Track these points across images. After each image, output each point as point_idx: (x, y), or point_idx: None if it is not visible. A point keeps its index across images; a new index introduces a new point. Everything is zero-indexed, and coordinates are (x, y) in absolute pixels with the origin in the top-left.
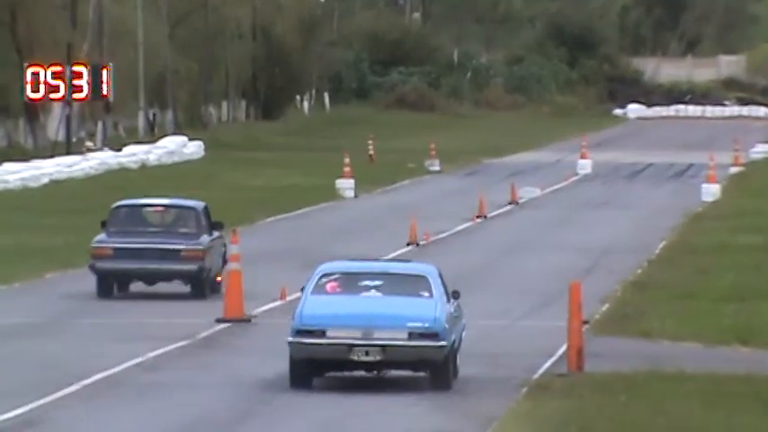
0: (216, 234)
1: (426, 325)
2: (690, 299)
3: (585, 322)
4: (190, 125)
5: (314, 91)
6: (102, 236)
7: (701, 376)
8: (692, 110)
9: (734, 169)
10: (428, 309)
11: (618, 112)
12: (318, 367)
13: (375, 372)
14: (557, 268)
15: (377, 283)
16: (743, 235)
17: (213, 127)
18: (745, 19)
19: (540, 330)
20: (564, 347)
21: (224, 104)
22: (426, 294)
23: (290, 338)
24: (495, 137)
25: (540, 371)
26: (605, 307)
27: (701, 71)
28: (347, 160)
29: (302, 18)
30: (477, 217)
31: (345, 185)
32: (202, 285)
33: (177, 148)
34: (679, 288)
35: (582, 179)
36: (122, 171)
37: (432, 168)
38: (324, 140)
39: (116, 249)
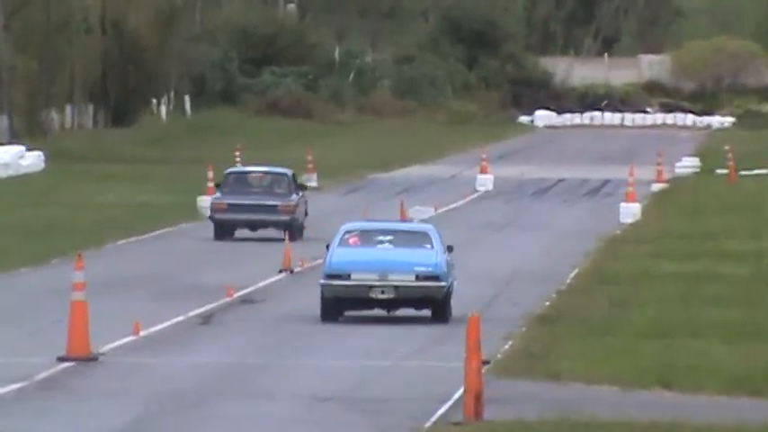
0: (301, 194)
1: (430, 269)
2: (605, 335)
3: (485, 362)
4: (28, 132)
5: (173, 94)
6: (217, 194)
7: (618, 424)
8: (610, 117)
9: (656, 186)
10: (431, 257)
11: (523, 119)
12: (344, 304)
13: (387, 310)
14: (455, 298)
15: (389, 237)
16: (666, 262)
17: (55, 135)
18: (670, 13)
19: (433, 372)
20: (460, 391)
21: (68, 109)
22: (429, 246)
23: (322, 281)
24: (382, 148)
25: (432, 419)
26: (508, 344)
27: (620, 73)
28: (211, 174)
29: (160, 10)
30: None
31: (208, 203)
32: (293, 231)
33: (13, 159)
34: (593, 323)
35: (482, 197)
36: None
37: (309, 184)
38: (184, 151)
39: (229, 204)
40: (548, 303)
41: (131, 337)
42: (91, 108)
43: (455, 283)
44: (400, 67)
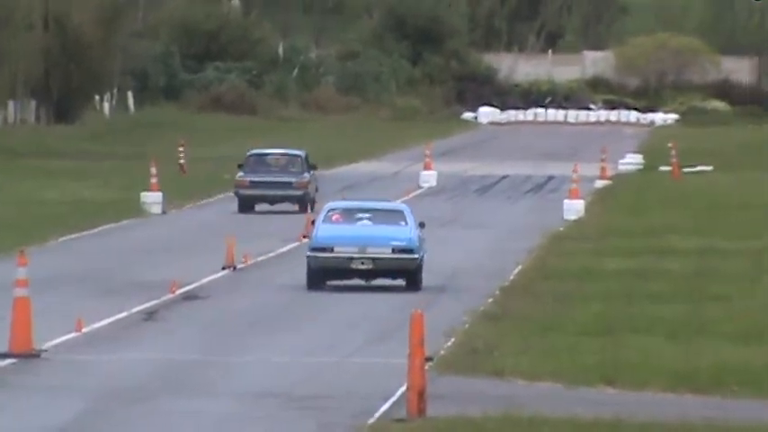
0: (312, 172)
1: (404, 243)
2: (549, 332)
3: (429, 359)
4: None
5: (116, 90)
6: (240, 173)
7: (562, 421)
8: (553, 114)
9: (600, 183)
10: (405, 232)
11: (467, 115)
12: (327, 274)
13: (366, 280)
14: (395, 296)
15: (368, 215)
16: (610, 258)
17: None
18: (614, 10)
19: (376, 368)
20: (403, 388)
21: (10, 104)
22: (403, 223)
23: (308, 253)
24: (326, 144)
25: (376, 415)
26: (451, 341)
27: (564, 69)
28: (154, 170)
29: (102, 6)
30: (304, 237)
31: (152, 199)
32: (306, 205)
33: None
34: (536, 319)
35: (425, 193)
36: None
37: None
38: (127, 147)
39: (251, 182)
40: (491, 300)
41: (74, 334)
42: (33, 104)
43: (425, 255)
44: (344, 63)
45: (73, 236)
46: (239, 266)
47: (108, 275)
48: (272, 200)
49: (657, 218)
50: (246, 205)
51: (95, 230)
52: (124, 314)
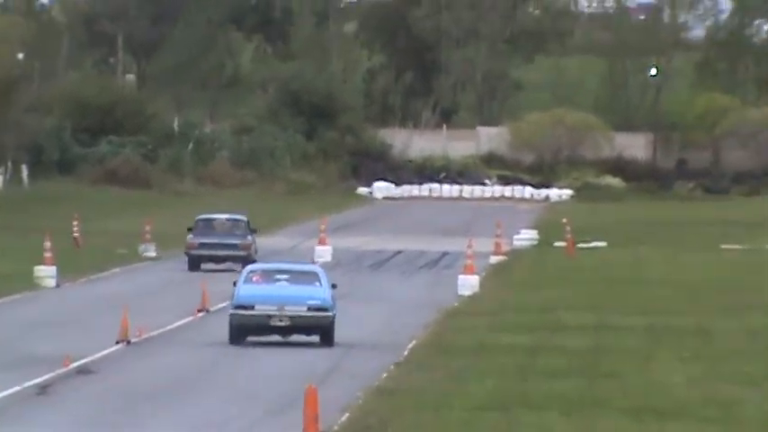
0: (253, 236)
1: (319, 302)
2: (442, 408)
3: None
4: None
5: (10, 163)
6: (190, 236)
7: None
8: (448, 189)
9: (494, 258)
10: (320, 292)
11: (362, 190)
12: (248, 331)
13: (283, 336)
14: (291, 370)
15: (286, 276)
16: (505, 334)
17: None
18: (508, 86)
19: None
20: None
21: None
22: (318, 284)
23: (231, 311)
24: None
25: None
26: (345, 417)
27: (458, 145)
28: (48, 244)
29: None
30: (199, 311)
31: (45, 273)
32: (249, 263)
33: None
34: (430, 395)
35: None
36: None
37: (147, 254)
38: (21, 220)
39: (200, 243)
40: (385, 375)
41: None
42: None
43: (336, 314)
44: (239, 138)
45: None
46: (133, 340)
47: (1, 349)
48: (219, 260)
49: (552, 293)
50: (195, 264)
51: None
52: (17, 388)
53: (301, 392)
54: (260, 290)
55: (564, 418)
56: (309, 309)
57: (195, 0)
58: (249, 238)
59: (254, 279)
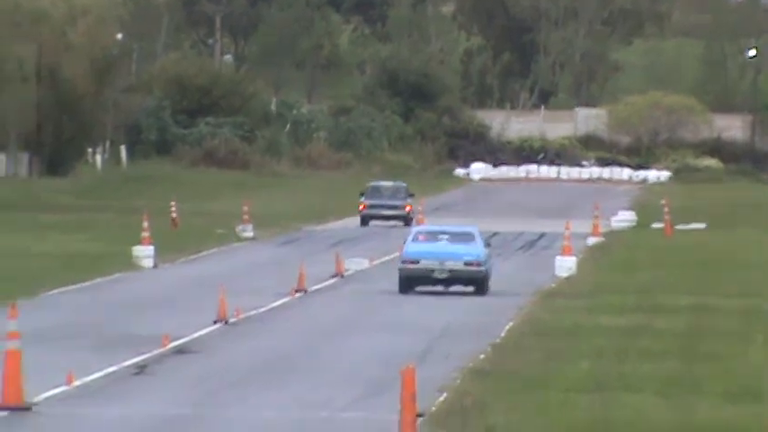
0: (410, 199)
1: (474, 258)
2: (539, 389)
3: (419, 415)
4: None
5: (108, 143)
6: (362, 198)
7: None
8: (546, 171)
9: (592, 240)
10: (475, 250)
11: (459, 172)
12: (414, 281)
13: (444, 287)
14: (387, 352)
15: (446, 236)
16: (602, 316)
17: None
18: (607, 68)
19: (368, 424)
20: None
21: (2, 157)
22: (474, 243)
23: (400, 265)
24: (318, 200)
25: None
26: (442, 398)
27: (556, 126)
28: (146, 224)
29: (95, 59)
30: (296, 291)
31: (143, 253)
32: (410, 221)
33: None
34: (527, 376)
35: None
36: None
37: (244, 234)
38: (119, 201)
39: (369, 204)
40: (482, 357)
41: (64, 387)
42: (26, 157)
43: (491, 268)
44: (336, 119)
45: (64, 289)
46: (231, 320)
47: (99, 329)
48: (384, 218)
49: (649, 275)
50: (366, 221)
51: (86, 284)
52: (115, 368)
53: (399, 373)
54: (424, 247)
55: (660, 400)
56: (465, 264)
57: None
58: (409, 200)
59: (420, 238)
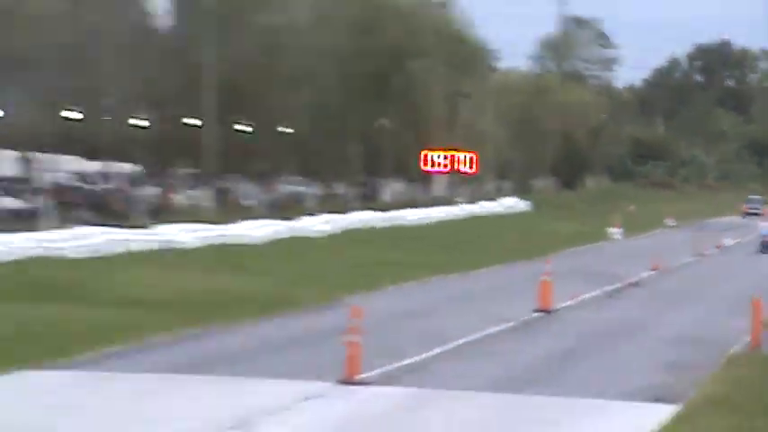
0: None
1: None
2: None
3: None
4: (522, 191)
5: (598, 171)
6: (744, 204)
7: None
8: None
9: None
10: None
11: None
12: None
13: None
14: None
15: None
16: None
17: (539, 193)
18: None
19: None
20: None
21: (509, 184)
22: None
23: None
24: (711, 206)
25: None
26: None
27: None
28: (616, 216)
29: (591, 122)
30: (703, 253)
31: (615, 232)
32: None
33: (513, 204)
34: None
35: None
36: (478, 217)
37: (669, 224)
38: (601, 205)
39: (747, 208)
40: None
41: (570, 302)
42: (552, 179)
43: None
44: (720, 164)
45: (573, 249)
46: (662, 268)
47: (591, 270)
48: (753, 215)
49: None
50: (744, 217)
51: (583, 248)
52: (598, 292)
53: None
54: None
55: None
56: None
57: None
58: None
59: None
